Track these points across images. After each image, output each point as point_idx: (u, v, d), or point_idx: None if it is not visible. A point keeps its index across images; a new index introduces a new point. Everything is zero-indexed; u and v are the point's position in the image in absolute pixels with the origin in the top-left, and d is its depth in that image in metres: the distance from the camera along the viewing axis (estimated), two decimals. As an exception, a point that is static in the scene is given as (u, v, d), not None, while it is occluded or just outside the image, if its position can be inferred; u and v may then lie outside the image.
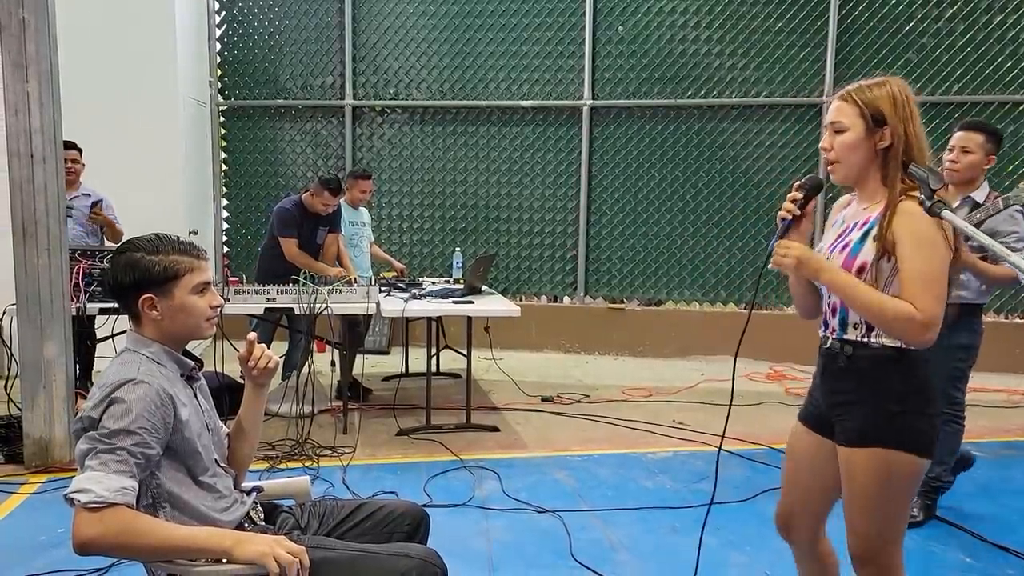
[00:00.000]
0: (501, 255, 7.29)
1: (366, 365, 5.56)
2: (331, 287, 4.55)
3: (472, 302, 4.90)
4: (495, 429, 4.81)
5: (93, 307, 4.31)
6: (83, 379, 5.01)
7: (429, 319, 4.91)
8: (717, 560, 3.10)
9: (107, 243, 5.28)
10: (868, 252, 1.79)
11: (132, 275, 1.69)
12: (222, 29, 7.45)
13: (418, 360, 6.33)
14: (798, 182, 1.90)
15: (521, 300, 7.41)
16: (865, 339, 1.82)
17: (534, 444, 4.61)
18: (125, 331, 4.78)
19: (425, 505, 2.89)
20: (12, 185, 3.86)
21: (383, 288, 5.19)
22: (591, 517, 3.52)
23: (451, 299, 4.96)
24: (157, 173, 6.24)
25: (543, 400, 5.50)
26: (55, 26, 3.91)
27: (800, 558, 2.19)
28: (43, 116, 3.83)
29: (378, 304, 4.67)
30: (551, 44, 7.09)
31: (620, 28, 6.97)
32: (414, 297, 4.98)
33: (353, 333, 5.35)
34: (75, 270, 4.21)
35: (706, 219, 7.04)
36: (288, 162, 7.56)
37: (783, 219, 1.90)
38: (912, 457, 1.79)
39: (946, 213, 1.62)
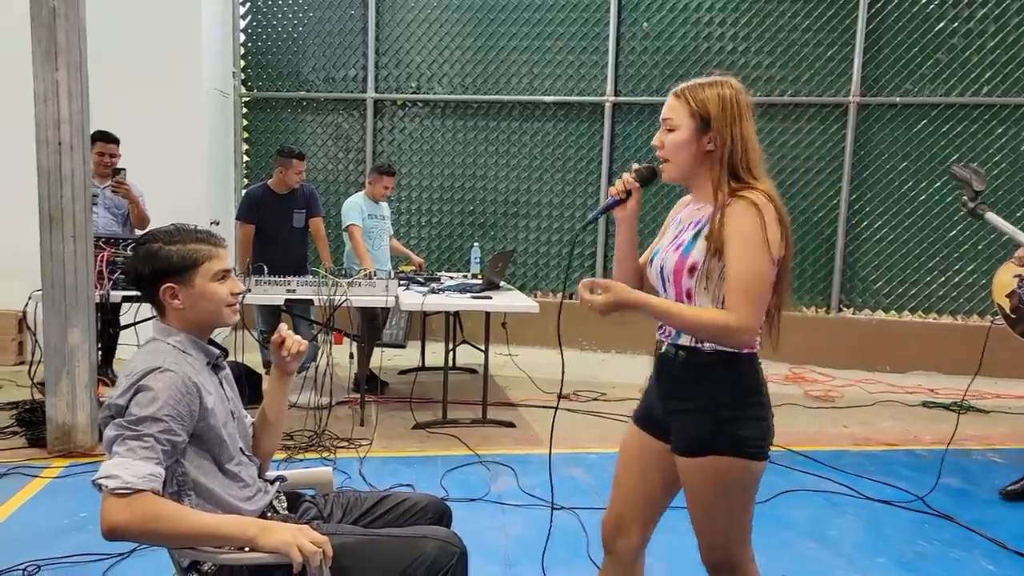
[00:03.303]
0: (520, 251, 7.29)
1: (383, 358, 5.57)
2: (351, 280, 4.57)
3: (490, 297, 4.90)
4: (511, 425, 4.81)
5: (116, 295, 4.35)
6: (104, 366, 5.07)
7: (447, 314, 4.91)
8: (734, 561, 3.08)
9: (136, 231, 5.33)
10: (699, 251, 1.77)
11: (152, 265, 1.71)
12: (246, 20, 7.49)
13: (434, 354, 6.35)
14: (635, 165, 1.91)
15: (538, 296, 7.40)
16: (697, 344, 1.80)
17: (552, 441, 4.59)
18: (148, 319, 4.83)
19: (442, 499, 2.89)
20: (40, 173, 3.90)
21: (402, 282, 5.20)
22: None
23: (469, 294, 4.96)
24: (181, 163, 6.29)
25: (559, 397, 5.48)
26: (85, 16, 3.94)
27: (612, 573, 2.12)
28: (71, 105, 3.86)
29: (397, 297, 4.68)
30: (575, 39, 7.06)
31: (645, 24, 6.93)
32: (432, 291, 4.99)
33: (371, 326, 5.36)
34: (99, 258, 4.25)
35: (727, 218, 6.99)
36: (309, 154, 7.59)
37: (611, 197, 1.90)
38: (745, 462, 1.77)
39: (989, 215, 1.60)
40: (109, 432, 1.56)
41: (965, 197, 1.62)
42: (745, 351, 1.78)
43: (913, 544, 3.28)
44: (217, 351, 1.81)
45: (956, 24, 6.47)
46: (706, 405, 1.78)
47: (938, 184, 6.64)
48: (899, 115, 6.69)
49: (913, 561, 3.13)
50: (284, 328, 1.91)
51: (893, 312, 6.90)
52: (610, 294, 1.72)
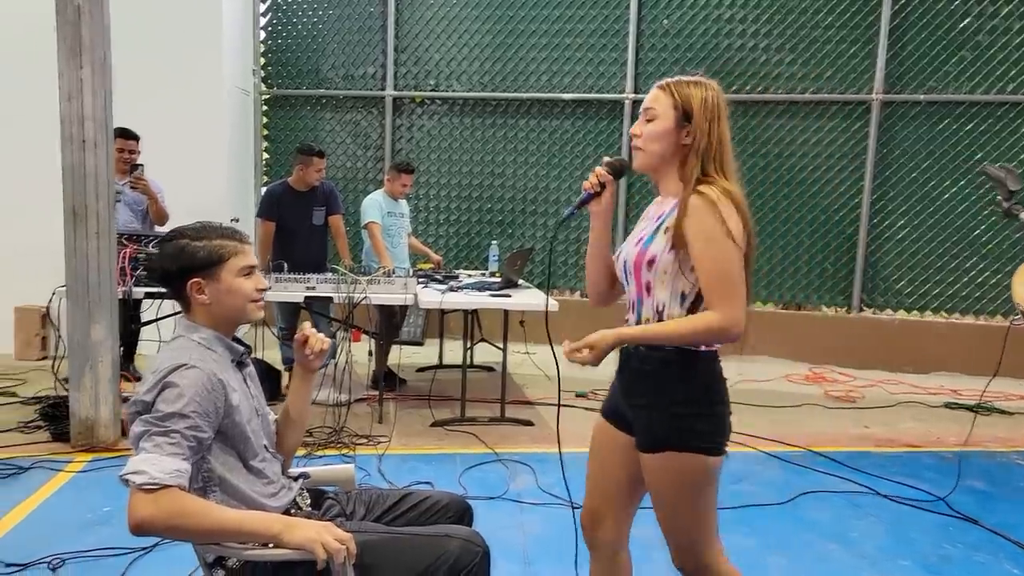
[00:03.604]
0: (538, 249, 7.28)
1: (401, 356, 5.58)
2: (371, 277, 4.58)
3: (509, 295, 4.89)
4: (529, 423, 4.80)
5: (139, 291, 4.38)
6: (126, 362, 5.11)
7: (465, 312, 4.91)
8: (756, 563, 3.06)
9: (155, 228, 5.37)
10: (659, 245, 1.79)
11: (179, 261, 1.73)
12: (267, 18, 7.53)
13: (451, 352, 6.35)
14: (607, 158, 1.93)
15: (554, 294, 7.38)
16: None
17: (568, 439, 4.55)
18: (169, 315, 4.87)
19: (463, 497, 2.88)
20: (64, 170, 3.93)
21: (420, 280, 5.21)
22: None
23: (488, 292, 4.96)
24: (202, 161, 6.33)
25: (577, 396, 5.47)
26: (109, 14, 3.97)
27: (598, 570, 2.13)
28: (95, 103, 3.89)
29: (415, 295, 4.69)
30: (594, 36, 7.04)
31: (665, 21, 6.90)
32: (451, 289, 4.99)
33: (389, 324, 5.38)
34: (122, 254, 4.28)
35: (747, 217, 6.94)
36: (328, 152, 7.61)
37: (585, 190, 1.92)
38: (700, 457, 1.79)
39: (1024, 216, 1.58)
40: (136, 428, 1.57)
41: (1000, 197, 1.59)
42: (703, 349, 1.80)
43: (937, 547, 3.24)
44: (242, 348, 1.82)
45: (981, 21, 6.38)
46: (661, 401, 1.80)
47: (962, 183, 6.56)
48: (923, 113, 6.61)
49: (937, 564, 3.09)
50: (308, 327, 1.92)
51: (915, 312, 6.83)
52: (596, 350, 1.77)
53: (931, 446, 4.67)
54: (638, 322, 1.87)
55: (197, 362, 1.64)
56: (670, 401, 1.79)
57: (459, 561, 1.70)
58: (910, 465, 4.28)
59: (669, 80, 1.85)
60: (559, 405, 2.61)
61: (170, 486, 1.49)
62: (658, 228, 1.81)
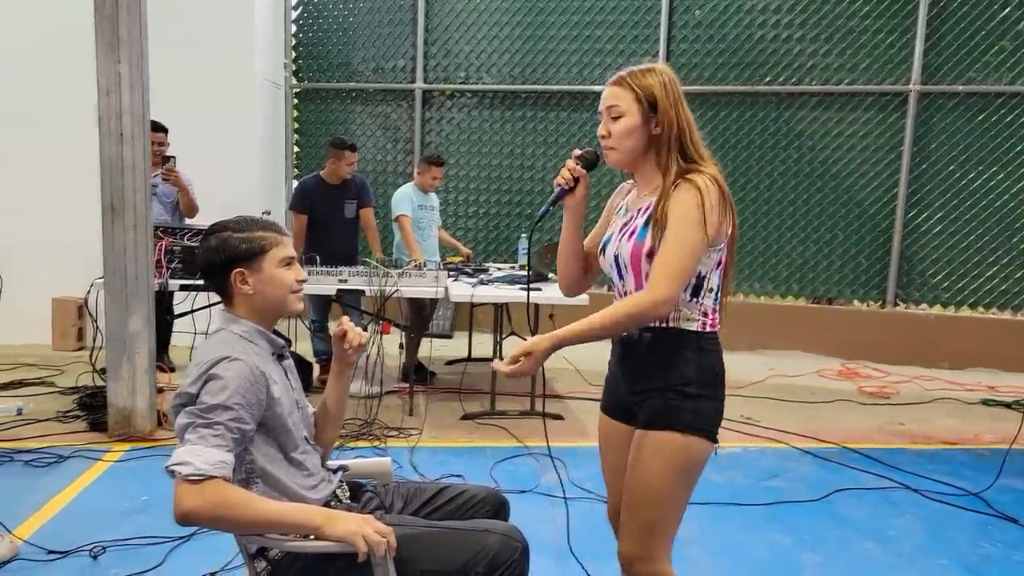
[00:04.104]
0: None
1: (431, 349, 5.60)
2: (402, 270, 4.60)
3: (540, 289, 4.89)
4: (559, 417, 4.80)
5: (174, 283, 4.43)
6: (160, 353, 5.18)
7: (496, 305, 4.91)
8: (791, 560, 3.03)
9: (185, 220, 5.44)
10: (651, 237, 1.78)
11: (223, 253, 1.76)
12: (298, 12, 7.57)
13: (480, 345, 6.36)
14: (577, 151, 1.91)
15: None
16: (664, 324, 1.82)
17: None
18: (202, 308, 4.91)
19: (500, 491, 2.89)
20: (102, 164, 3.99)
21: (450, 273, 5.22)
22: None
23: (518, 286, 4.95)
24: (234, 154, 6.39)
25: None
26: (146, 9, 4.01)
27: None
28: (133, 97, 3.94)
29: (446, 288, 4.69)
30: (625, 28, 6.99)
31: (697, 12, 6.82)
32: (481, 283, 4.99)
33: (419, 316, 5.40)
34: (157, 247, 4.33)
35: (779, 210, 6.88)
36: (358, 145, 7.64)
37: (559, 186, 1.91)
38: (701, 440, 1.80)
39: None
40: (181, 419, 1.59)
41: None
42: (708, 329, 1.82)
43: (976, 546, 3.19)
44: (282, 341, 1.84)
45: (1022, 10, 6.23)
46: (674, 383, 1.80)
47: (1001, 176, 6.42)
48: (961, 104, 6.48)
49: (976, 564, 3.04)
50: (347, 320, 1.93)
51: (952, 307, 6.71)
52: (532, 357, 1.74)
53: (968, 443, 4.60)
54: None
55: (240, 354, 1.66)
56: (681, 381, 1.80)
57: (498, 556, 1.70)
58: (947, 463, 4.21)
59: (622, 74, 1.83)
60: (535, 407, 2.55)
61: (215, 477, 1.51)
62: (648, 220, 1.81)
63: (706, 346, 1.82)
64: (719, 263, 1.82)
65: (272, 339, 1.82)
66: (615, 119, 1.81)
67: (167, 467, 1.53)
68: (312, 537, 1.60)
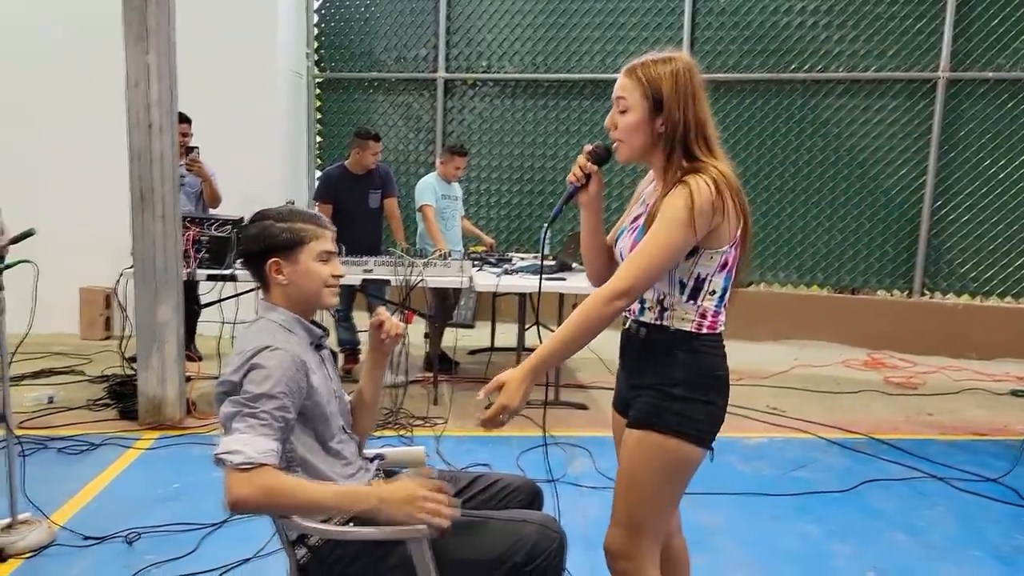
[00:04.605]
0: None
1: (456, 338, 5.61)
2: (427, 260, 4.60)
3: (564, 279, 4.88)
4: (583, 407, 4.80)
5: (201, 273, 4.46)
6: (188, 341, 5.23)
7: (521, 295, 4.90)
8: (821, 550, 3.02)
9: (208, 210, 5.47)
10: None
11: (262, 241, 1.77)
12: (320, 1, 7.57)
13: (503, 335, 6.37)
14: (588, 147, 1.85)
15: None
16: (658, 322, 1.78)
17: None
18: (228, 297, 4.94)
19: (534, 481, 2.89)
20: (131, 154, 4.02)
21: (475, 263, 5.22)
22: (686, 500, 3.45)
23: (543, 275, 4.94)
24: (257, 144, 6.41)
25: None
26: (174, 0, 4.03)
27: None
28: (161, 88, 3.96)
29: (471, 278, 4.70)
30: (648, 15, 6.93)
31: (722, -1, 6.75)
32: (505, 272, 4.99)
33: (443, 306, 5.41)
34: (185, 237, 4.36)
35: (805, 199, 6.81)
36: (380, 135, 7.65)
37: (571, 183, 1.86)
38: (681, 443, 1.74)
39: None
40: (226, 408, 1.60)
41: None
42: (705, 331, 1.76)
43: (1009, 537, 3.16)
44: (320, 331, 1.85)
45: (1055, -5, 6.12)
46: (661, 383, 1.77)
47: (1031, 163, 6.33)
48: (991, 91, 6.37)
49: (1010, 555, 3.01)
50: (383, 312, 1.94)
51: (980, 297, 6.63)
52: (505, 390, 1.68)
53: (998, 434, 4.55)
54: (639, 310, 1.84)
55: (281, 343, 1.67)
56: (668, 381, 1.76)
57: (536, 547, 1.70)
58: (977, 453, 4.17)
59: (637, 63, 1.75)
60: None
61: (264, 465, 1.53)
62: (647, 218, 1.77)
63: (700, 348, 1.76)
64: (724, 265, 1.74)
65: (311, 328, 1.83)
66: (622, 112, 1.75)
67: (216, 456, 1.54)
68: (352, 524, 1.62)
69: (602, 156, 1.85)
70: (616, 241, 1.92)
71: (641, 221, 1.79)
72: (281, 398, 1.60)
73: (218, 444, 1.56)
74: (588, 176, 1.84)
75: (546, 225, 2.05)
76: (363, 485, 1.79)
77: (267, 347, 1.64)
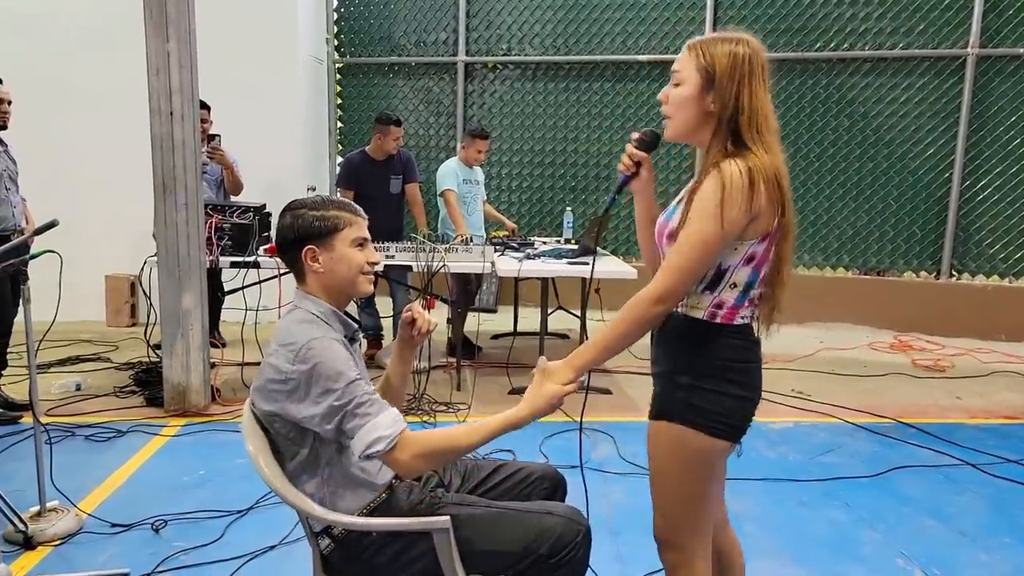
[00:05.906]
0: (612, 215, 7.17)
1: (478, 324, 5.60)
2: (449, 245, 4.59)
3: (587, 263, 4.84)
4: (607, 392, 4.78)
5: (224, 260, 4.48)
6: (211, 329, 5.26)
7: (543, 279, 4.88)
8: (849, 536, 2.98)
9: (230, 197, 5.48)
10: (676, 218, 1.67)
11: (296, 229, 1.77)
12: (339, -14, 7.53)
13: (525, 319, 6.35)
14: (636, 135, 1.80)
15: (634, 262, 7.28)
16: (677, 310, 1.73)
17: (648, 408, 4.55)
18: (251, 284, 4.94)
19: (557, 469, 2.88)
20: (153, 142, 4.03)
21: (496, 248, 5.20)
22: (712, 485, 3.45)
23: (565, 260, 4.91)
24: (278, 130, 6.42)
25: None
26: (194, -14, 4.02)
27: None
28: (181, 76, 3.96)
29: (493, 263, 4.68)
30: (671, -5, 6.82)
31: (746, -24, 6.63)
32: (528, 257, 4.96)
33: (465, 291, 5.40)
34: (207, 224, 4.38)
35: (831, 179, 6.70)
36: (401, 120, 7.63)
37: (621, 173, 1.82)
38: (697, 435, 1.69)
39: None
40: (318, 410, 1.62)
41: None
42: (719, 320, 1.69)
43: (1042, 525, 3.11)
44: (355, 324, 1.86)
45: (1090, -34, 5.95)
46: (671, 370, 1.75)
47: (1064, 141, 6.18)
48: (1022, 68, 6.22)
49: (1043, 543, 2.96)
50: (417, 307, 1.94)
51: (1009, 277, 6.51)
52: (551, 379, 1.70)
53: (1030, 419, 4.47)
54: None
55: (326, 334, 1.70)
56: (680, 370, 1.72)
57: (561, 539, 1.69)
58: (1008, 438, 4.10)
59: (699, 39, 1.69)
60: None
61: (402, 430, 1.62)
62: (680, 200, 1.73)
63: (711, 337, 1.69)
64: (750, 259, 1.67)
65: (346, 321, 1.83)
66: (676, 85, 1.70)
67: (362, 455, 1.61)
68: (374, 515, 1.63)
69: (650, 143, 1.81)
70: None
71: (672, 203, 1.77)
72: (358, 380, 1.65)
73: (355, 446, 1.62)
74: (638, 164, 1.81)
75: (599, 218, 2.00)
76: (387, 480, 1.81)
77: (316, 339, 1.66)
